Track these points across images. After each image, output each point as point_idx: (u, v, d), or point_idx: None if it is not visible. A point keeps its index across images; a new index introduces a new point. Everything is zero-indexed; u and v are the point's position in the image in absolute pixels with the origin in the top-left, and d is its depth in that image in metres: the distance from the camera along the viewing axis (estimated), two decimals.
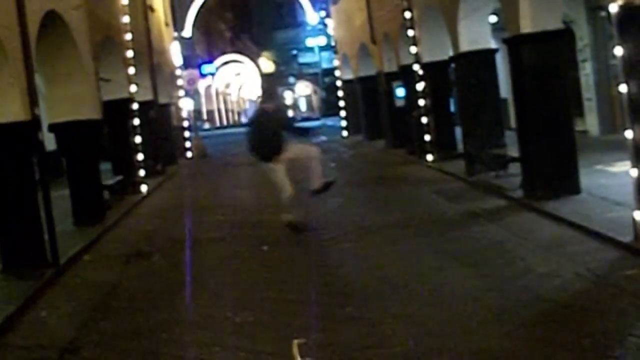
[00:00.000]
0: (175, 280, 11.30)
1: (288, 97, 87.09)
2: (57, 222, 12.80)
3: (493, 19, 18.89)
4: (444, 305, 8.47)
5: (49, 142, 15.34)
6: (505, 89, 20.31)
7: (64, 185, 16.99)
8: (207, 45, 72.26)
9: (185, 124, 36.63)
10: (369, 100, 31.12)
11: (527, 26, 13.35)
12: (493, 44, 17.81)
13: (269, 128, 13.57)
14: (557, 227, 11.65)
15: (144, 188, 22.14)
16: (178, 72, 36.91)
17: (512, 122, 19.77)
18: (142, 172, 22.32)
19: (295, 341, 7.63)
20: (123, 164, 21.69)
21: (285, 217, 13.61)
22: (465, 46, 17.35)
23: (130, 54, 22.71)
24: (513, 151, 15.59)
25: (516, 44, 13.79)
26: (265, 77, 76.12)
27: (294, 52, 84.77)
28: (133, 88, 22.44)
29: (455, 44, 17.73)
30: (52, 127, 16.61)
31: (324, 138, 39.89)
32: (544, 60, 13.47)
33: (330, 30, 40.93)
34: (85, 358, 8.12)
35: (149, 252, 13.61)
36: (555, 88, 13.58)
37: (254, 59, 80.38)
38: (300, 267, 11.26)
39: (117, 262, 13.13)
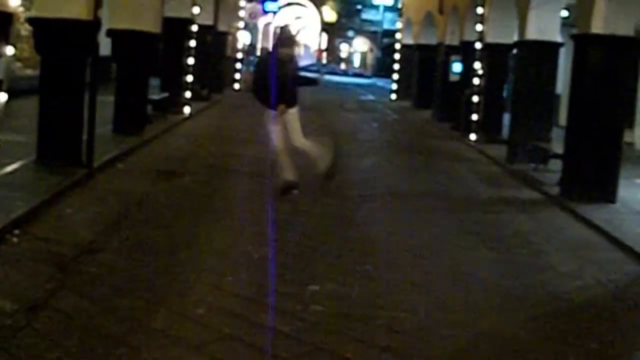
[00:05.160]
0: (202, 204, 11.41)
1: (344, 50, 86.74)
2: (97, 126, 12.90)
3: (564, 13, 18.69)
4: (462, 283, 8.48)
5: (104, 47, 15.35)
6: (560, 85, 20.09)
7: (110, 92, 17.08)
8: None
9: (239, 55, 36.60)
10: (424, 69, 31.17)
11: (598, 27, 13.21)
12: (559, 38, 17.62)
13: (279, 76, 11.99)
14: (586, 231, 11.60)
15: (186, 110, 22.26)
16: (242, 3, 36.81)
17: (561, 119, 19.57)
18: (188, 94, 22.42)
19: (310, 287, 7.70)
20: (171, 82, 21.79)
21: (283, 178, 12.34)
22: (531, 35, 17.23)
23: None
24: (557, 147, 15.53)
25: (584, 42, 13.63)
26: (324, 25, 75.70)
27: (359, 6, 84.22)
28: (196, 10, 22.46)
29: (522, 30, 17.57)
30: (110, 33, 16.68)
31: (371, 97, 39.83)
32: (609, 65, 13.32)
33: None
34: (101, 262, 8.15)
35: (181, 172, 13.71)
36: (614, 94, 13.42)
37: (317, 5, 79.86)
38: (326, 217, 11.27)
39: (149, 175, 13.24)
